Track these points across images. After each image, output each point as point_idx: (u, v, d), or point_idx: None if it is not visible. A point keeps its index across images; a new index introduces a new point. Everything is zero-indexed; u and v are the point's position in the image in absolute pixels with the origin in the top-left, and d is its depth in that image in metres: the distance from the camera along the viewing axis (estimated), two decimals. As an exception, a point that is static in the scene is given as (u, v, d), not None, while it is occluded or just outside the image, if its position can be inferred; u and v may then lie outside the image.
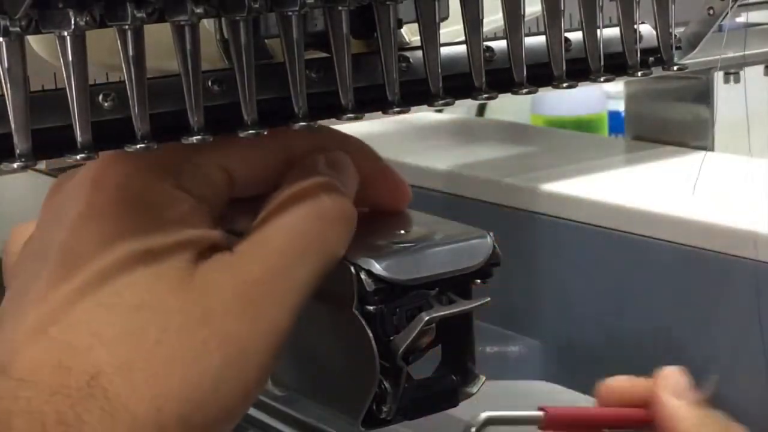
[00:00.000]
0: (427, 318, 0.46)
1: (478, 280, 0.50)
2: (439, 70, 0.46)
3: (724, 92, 1.22)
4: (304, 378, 0.52)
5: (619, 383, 0.54)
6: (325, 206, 0.46)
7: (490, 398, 0.51)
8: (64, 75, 0.40)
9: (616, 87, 1.52)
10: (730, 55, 1.10)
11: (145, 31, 0.41)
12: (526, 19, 0.47)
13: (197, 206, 0.45)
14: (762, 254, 0.87)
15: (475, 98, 0.47)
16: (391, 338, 0.47)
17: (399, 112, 0.46)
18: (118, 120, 0.43)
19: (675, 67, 0.53)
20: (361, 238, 0.49)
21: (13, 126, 0.39)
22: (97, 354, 0.41)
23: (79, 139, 0.40)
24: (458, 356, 0.50)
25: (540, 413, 0.54)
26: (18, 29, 0.38)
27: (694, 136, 1.18)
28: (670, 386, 0.53)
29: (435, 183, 1.14)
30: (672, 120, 1.20)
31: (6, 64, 0.39)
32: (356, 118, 0.45)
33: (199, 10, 0.41)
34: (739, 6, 0.94)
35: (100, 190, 0.44)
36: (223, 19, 0.44)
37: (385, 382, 0.47)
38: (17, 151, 0.40)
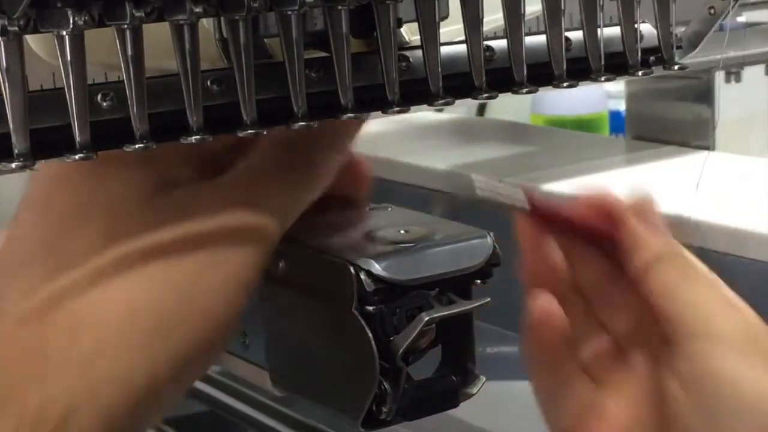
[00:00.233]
0: (427, 318, 0.46)
1: (478, 280, 0.49)
2: (439, 70, 0.46)
3: (725, 92, 1.22)
4: (303, 378, 0.52)
5: (596, 197, 0.53)
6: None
7: (491, 398, 0.51)
8: (63, 75, 0.40)
9: (617, 86, 1.52)
10: (731, 54, 1.10)
11: (144, 30, 0.40)
12: (526, 18, 0.47)
13: None
14: (762, 254, 0.87)
15: (475, 98, 0.47)
16: (391, 338, 0.46)
17: (399, 112, 0.46)
18: (117, 120, 0.42)
19: (676, 67, 0.52)
20: (361, 238, 0.49)
21: (11, 126, 0.39)
22: None
23: (77, 139, 0.40)
24: (458, 356, 0.50)
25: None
26: (16, 29, 0.38)
27: (694, 135, 1.18)
28: (640, 211, 0.52)
29: (435, 183, 1.14)
30: (673, 119, 1.20)
31: (4, 64, 0.38)
32: (356, 118, 0.45)
33: (198, 10, 0.40)
34: (740, 5, 0.94)
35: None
36: (222, 19, 0.43)
37: (384, 383, 0.46)
38: (15, 151, 0.40)
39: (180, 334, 0.45)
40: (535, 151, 1.25)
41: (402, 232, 0.50)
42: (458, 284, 0.49)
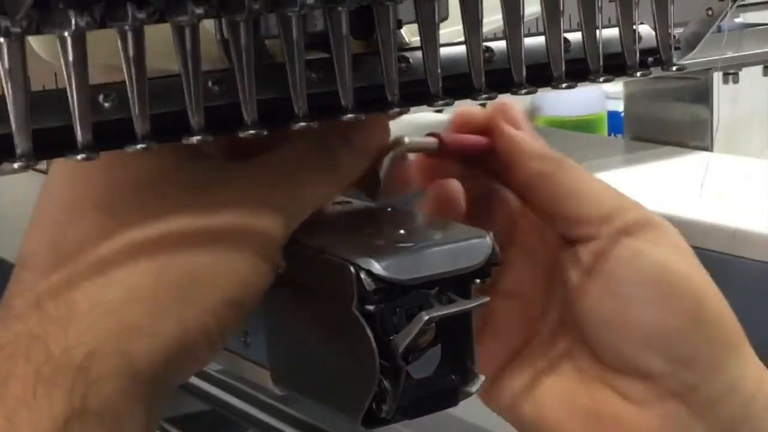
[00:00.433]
0: (426, 318, 0.46)
1: (478, 280, 0.50)
2: (439, 71, 0.46)
3: (723, 93, 1.22)
4: (304, 377, 0.52)
5: (466, 111, 0.56)
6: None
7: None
8: (65, 75, 0.40)
9: (616, 87, 1.53)
10: (729, 55, 1.10)
11: (145, 31, 0.41)
12: (525, 19, 0.47)
13: None
14: (762, 254, 0.87)
15: (474, 98, 0.48)
16: (391, 338, 0.47)
17: (399, 113, 0.46)
18: (119, 120, 0.43)
19: (674, 68, 0.53)
20: (361, 238, 0.49)
21: (13, 126, 0.39)
22: None
23: (79, 139, 0.40)
24: (458, 356, 0.50)
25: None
26: (18, 30, 0.38)
27: (693, 136, 1.18)
28: (507, 117, 0.54)
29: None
30: (671, 120, 1.20)
31: (7, 65, 0.39)
32: (356, 119, 0.45)
33: (199, 11, 0.41)
34: (738, 6, 0.94)
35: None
36: (223, 20, 0.44)
37: (384, 382, 0.47)
38: (18, 151, 0.40)
39: (209, 289, 0.46)
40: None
41: (402, 231, 0.50)
42: (458, 284, 0.49)
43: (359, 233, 0.51)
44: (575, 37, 0.50)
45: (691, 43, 0.56)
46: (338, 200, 0.54)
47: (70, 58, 0.39)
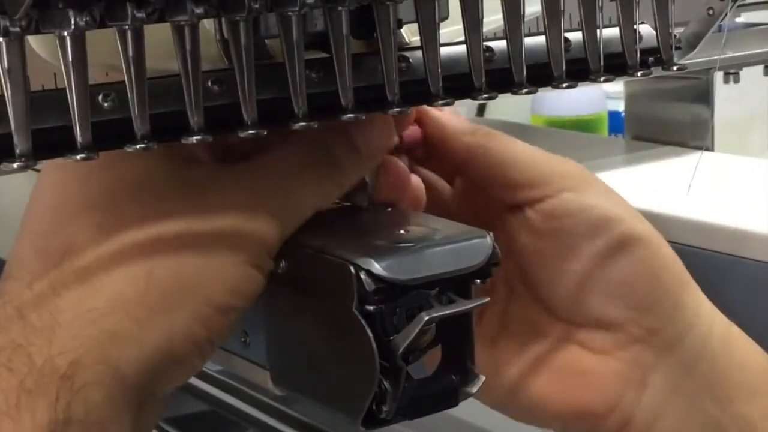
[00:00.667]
0: (427, 318, 0.46)
1: (478, 280, 0.50)
2: (439, 70, 0.46)
3: (723, 92, 1.22)
4: (304, 378, 0.52)
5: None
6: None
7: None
8: (64, 75, 0.40)
9: (616, 87, 1.53)
10: (730, 55, 1.10)
11: (145, 31, 0.41)
12: (526, 19, 0.47)
13: None
14: (762, 254, 0.87)
15: (475, 98, 0.47)
16: (391, 338, 0.47)
17: (399, 112, 0.46)
18: (118, 120, 0.43)
19: (674, 67, 0.53)
20: (361, 238, 0.49)
21: (13, 126, 0.39)
22: None
23: (79, 139, 0.40)
24: (458, 356, 0.50)
25: None
26: (18, 29, 0.38)
27: (693, 136, 1.18)
28: (434, 110, 0.56)
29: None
30: (671, 120, 1.20)
31: (6, 65, 0.39)
32: (356, 119, 0.45)
33: (199, 11, 0.40)
34: (739, 6, 0.94)
35: None
36: (223, 19, 0.44)
37: (384, 382, 0.47)
38: (17, 151, 0.40)
39: (197, 296, 0.45)
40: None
41: (402, 231, 0.50)
42: (458, 284, 0.49)
43: (359, 233, 0.51)
44: (576, 36, 0.50)
45: (692, 42, 0.56)
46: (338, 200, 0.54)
47: (70, 57, 0.39)
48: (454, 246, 0.49)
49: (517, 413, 0.57)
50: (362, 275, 0.46)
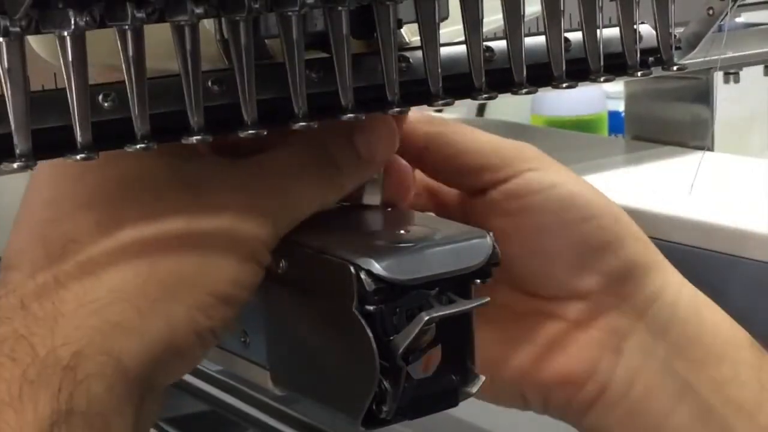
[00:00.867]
0: (427, 318, 0.46)
1: (478, 280, 0.50)
2: (439, 70, 0.46)
3: (723, 92, 1.22)
4: (304, 378, 0.52)
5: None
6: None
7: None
8: (64, 75, 0.40)
9: (616, 87, 1.52)
10: (730, 55, 1.10)
11: (145, 31, 0.41)
12: (526, 19, 0.47)
13: None
14: (762, 254, 0.87)
15: (475, 98, 0.48)
16: (391, 338, 0.47)
17: (399, 112, 0.46)
18: (118, 120, 0.43)
19: (675, 67, 0.53)
20: (361, 238, 0.49)
21: (13, 126, 0.39)
22: None
23: (79, 139, 0.40)
24: (458, 356, 0.50)
25: None
26: (18, 29, 0.38)
27: (693, 136, 1.18)
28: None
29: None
30: (671, 120, 1.20)
31: (6, 65, 0.39)
32: (356, 119, 0.45)
33: (199, 11, 0.41)
34: (739, 6, 0.94)
35: None
36: (223, 19, 0.44)
37: (384, 382, 0.47)
38: (17, 151, 0.40)
39: (198, 286, 0.46)
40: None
41: (402, 231, 0.50)
42: (458, 284, 0.49)
43: (359, 233, 0.51)
44: (576, 36, 0.50)
45: (692, 42, 0.56)
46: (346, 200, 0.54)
47: (70, 57, 0.39)
48: (454, 246, 0.49)
49: (497, 393, 0.57)
50: (362, 275, 0.46)
